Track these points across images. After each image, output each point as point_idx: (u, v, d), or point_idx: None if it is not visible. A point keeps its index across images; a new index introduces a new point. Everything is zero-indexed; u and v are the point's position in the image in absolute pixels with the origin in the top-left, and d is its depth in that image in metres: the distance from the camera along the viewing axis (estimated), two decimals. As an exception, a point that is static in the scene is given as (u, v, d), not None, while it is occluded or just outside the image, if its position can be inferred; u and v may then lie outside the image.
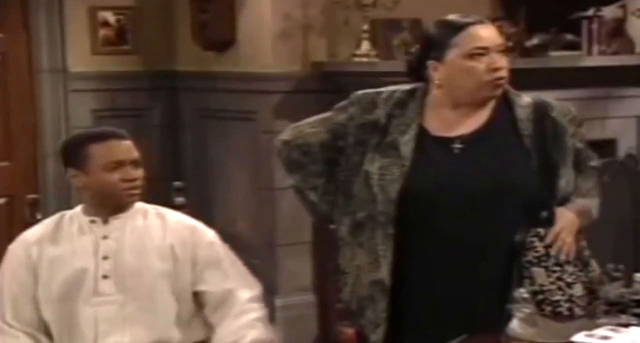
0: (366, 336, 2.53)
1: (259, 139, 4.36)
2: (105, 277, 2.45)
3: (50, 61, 4.57)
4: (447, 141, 2.48)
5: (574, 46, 4.77)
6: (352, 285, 2.54)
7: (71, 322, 2.44)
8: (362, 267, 2.51)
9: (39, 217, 2.74)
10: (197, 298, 2.53)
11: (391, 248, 2.45)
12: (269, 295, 4.33)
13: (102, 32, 4.65)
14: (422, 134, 2.48)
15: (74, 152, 2.51)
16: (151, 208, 2.58)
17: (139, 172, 2.50)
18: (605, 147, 4.90)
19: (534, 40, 4.63)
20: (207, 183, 4.65)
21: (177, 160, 4.77)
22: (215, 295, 2.51)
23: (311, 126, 2.62)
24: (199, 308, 2.53)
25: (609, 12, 4.80)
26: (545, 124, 2.51)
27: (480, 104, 2.49)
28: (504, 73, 2.48)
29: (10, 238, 2.59)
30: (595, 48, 4.74)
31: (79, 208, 2.56)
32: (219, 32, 4.51)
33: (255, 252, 4.34)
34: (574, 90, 4.78)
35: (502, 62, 2.46)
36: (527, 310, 2.42)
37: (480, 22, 2.49)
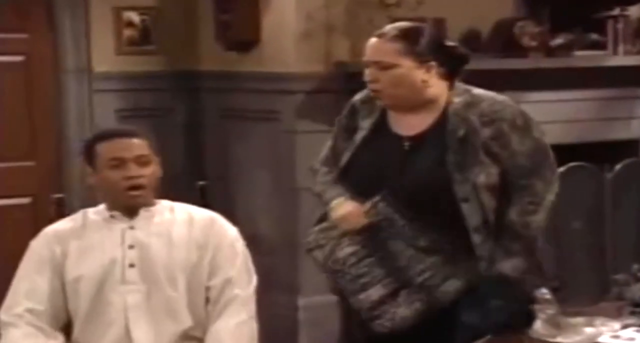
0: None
1: (281, 139, 4.36)
2: (132, 265, 2.48)
3: (75, 61, 4.59)
4: (400, 138, 2.64)
5: (598, 46, 4.74)
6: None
7: (102, 310, 2.47)
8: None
9: (65, 217, 2.75)
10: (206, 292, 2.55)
11: None
12: (291, 296, 4.36)
13: (127, 32, 4.67)
14: (382, 123, 2.68)
15: (87, 151, 2.57)
16: (177, 205, 2.62)
17: (146, 170, 2.52)
18: (629, 147, 4.87)
19: (559, 40, 4.61)
20: (229, 183, 4.66)
21: (200, 160, 4.78)
22: (217, 295, 2.53)
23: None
24: (206, 302, 2.54)
25: (635, 11, 4.77)
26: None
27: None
28: None
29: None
30: (620, 47, 4.71)
31: (102, 206, 2.60)
32: (242, 32, 4.51)
33: (277, 252, 4.35)
34: (598, 90, 4.76)
35: None
36: (550, 311, 2.41)
37: None
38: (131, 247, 2.50)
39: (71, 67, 4.60)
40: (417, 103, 2.60)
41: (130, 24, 4.66)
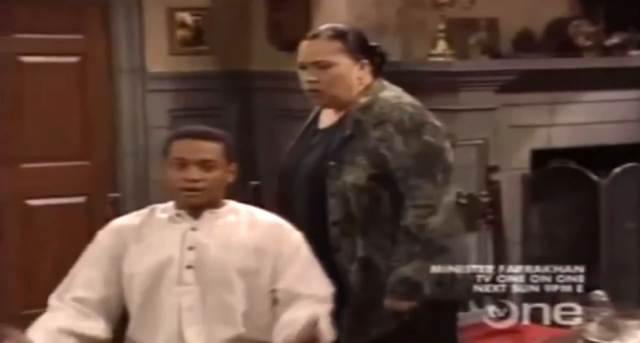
0: None
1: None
2: (189, 267, 2.49)
3: (129, 61, 4.64)
4: (318, 132, 2.78)
5: (654, 45, 4.68)
6: None
7: (154, 308, 2.48)
8: None
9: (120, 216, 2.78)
10: (272, 295, 2.53)
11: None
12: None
13: (180, 32, 4.71)
14: (314, 123, 2.82)
15: (164, 145, 2.59)
16: (242, 207, 2.63)
17: (208, 175, 2.52)
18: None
19: (614, 40, 4.56)
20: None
21: (251, 160, 4.80)
22: (286, 294, 2.51)
23: None
24: (272, 306, 2.53)
25: (691, 9, 4.70)
26: None
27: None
28: None
29: (90, 236, 2.64)
30: (676, 47, 4.65)
31: (171, 203, 2.61)
32: (293, 32, 4.52)
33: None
34: (654, 90, 4.70)
35: None
36: (605, 314, 2.38)
37: None
38: (191, 248, 2.50)
39: (125, 67, 4.65)
40: (350, 101, 2.69)
41: (183, 24, 4.71)
